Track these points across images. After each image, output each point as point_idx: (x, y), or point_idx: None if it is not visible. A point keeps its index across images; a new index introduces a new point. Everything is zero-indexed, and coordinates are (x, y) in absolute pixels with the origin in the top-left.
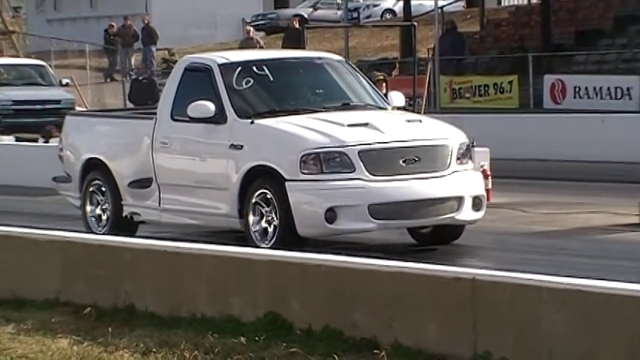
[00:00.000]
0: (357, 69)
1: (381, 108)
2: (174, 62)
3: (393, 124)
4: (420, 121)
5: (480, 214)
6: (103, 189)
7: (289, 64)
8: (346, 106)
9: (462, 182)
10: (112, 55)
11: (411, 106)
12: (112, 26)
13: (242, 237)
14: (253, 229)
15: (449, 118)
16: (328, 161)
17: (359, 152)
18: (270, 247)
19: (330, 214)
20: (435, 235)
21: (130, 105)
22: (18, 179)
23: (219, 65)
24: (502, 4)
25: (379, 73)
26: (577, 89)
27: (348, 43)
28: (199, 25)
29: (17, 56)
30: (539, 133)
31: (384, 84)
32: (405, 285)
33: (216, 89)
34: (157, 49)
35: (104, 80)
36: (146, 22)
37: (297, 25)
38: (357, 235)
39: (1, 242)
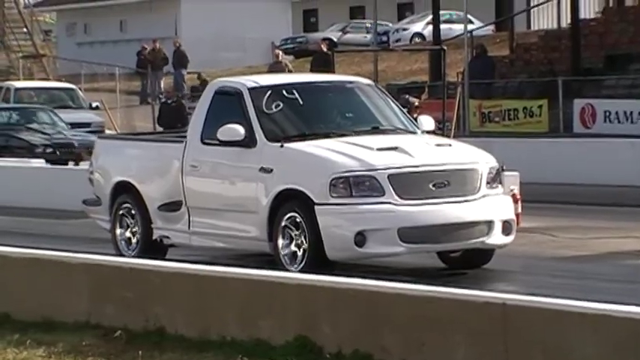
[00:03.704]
0: (387, 93)
1: (410, 132)
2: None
3: (422, 148)
4: (450, 145)
5: (509, 239)
6: (133, 212)
7: (319, 88)
8: (376, 130)
9: (491, 206)
10: (145, 78)
11: (440, 130)
12: (145, 48)
13: (271, 260)
14: (282, 253)
15: (478, 142)
16: (358, 185)
17: (388, 176)
18: (300, 271)
19: (360, 238)
20: (465, 259)
21: (159, 128)
22: (48, 202)
23: (249, 89)
24: (532, 28)
25: (415, 100)
26: (607, 113)
27: (378, 67)
28: (228, 49)
29: (47, 79)
30: (569, 157)
31: (417, 109)
32: (435, 309)
33: (246, 113)
34: (187, 73)
35: (140, 103)
36: (177, 45)
37: (324, 49)
38: (387, 258)
39: (31, 265)
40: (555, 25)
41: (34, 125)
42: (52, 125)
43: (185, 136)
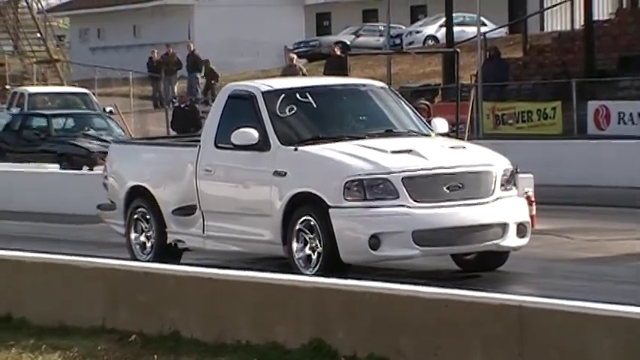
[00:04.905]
0: (400, 95)
1: (424, 134)
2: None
3: (436, 150)
4: (464, 147)
5: (524, 241)
6: (148, 216)
7: (332, 91)
8: (390, 133)
9: (506, 208)
10: (157, 83)
11: (454, 132)
12: (153, 52)
13: (285, 264)
14: (297, 256)
15: (492, 144)
16: (372, 188)
17: (402, 179)
18: (314, 274)
19: (374, 241)
20: (480, 261)
21: (172, 133)
22: (62, 207)
23: (262, 93)
24: (545, 30)
25: (423, 101)
26: (621, 115)
27: (391, 70)
28: (242, 53)
29: (61, 84)
30: (584, 159)
31: (424, 112)
32: (451, 312)
33: (260, 116)
34: (201, 77)
35: (154, 107)
36: (192, 49)
37: (338, 52)
38: (401, 261)
39: (46, 270)
40: (569, 27)
41: (90, 132)
42: (109, 131)
43: (199, 140)
